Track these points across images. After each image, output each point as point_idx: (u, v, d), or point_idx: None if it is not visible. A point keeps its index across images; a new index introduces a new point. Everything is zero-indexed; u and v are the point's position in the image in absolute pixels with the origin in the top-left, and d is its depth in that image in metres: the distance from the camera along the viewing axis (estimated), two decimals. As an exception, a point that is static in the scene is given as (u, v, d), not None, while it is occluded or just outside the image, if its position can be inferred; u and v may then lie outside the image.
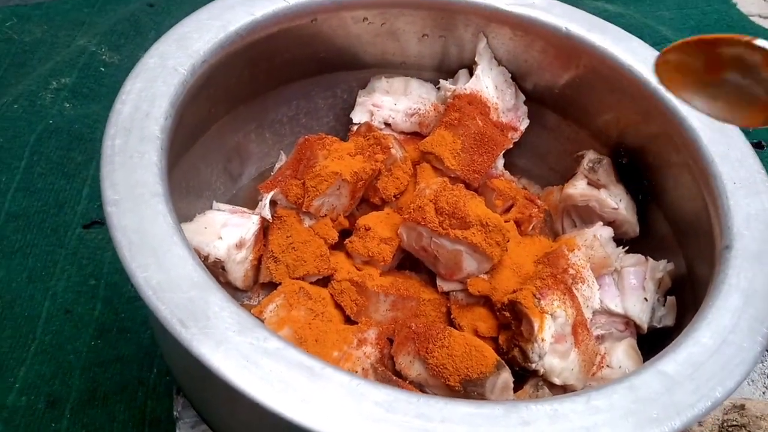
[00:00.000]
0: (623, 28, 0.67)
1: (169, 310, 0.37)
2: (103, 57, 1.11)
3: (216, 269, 0.58)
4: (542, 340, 0.53)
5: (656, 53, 0.65)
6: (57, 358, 0.74)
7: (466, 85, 0.71)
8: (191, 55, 0.53)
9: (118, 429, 0.70)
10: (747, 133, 0.59)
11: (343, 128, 0.76)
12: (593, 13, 0.68)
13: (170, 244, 0.40)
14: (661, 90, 0.62)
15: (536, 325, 0.53)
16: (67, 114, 0.99)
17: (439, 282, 0.62)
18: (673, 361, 0.42)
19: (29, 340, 0.75)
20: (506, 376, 0.54)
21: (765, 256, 0.49)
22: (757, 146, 0.99)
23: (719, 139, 0.58)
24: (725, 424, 0.72)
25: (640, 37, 0.66)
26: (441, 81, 0.74)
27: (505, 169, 0.75)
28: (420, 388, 0.55)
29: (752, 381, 0.85)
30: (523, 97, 0.74)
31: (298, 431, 0.35)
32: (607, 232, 0.66)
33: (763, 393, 0.84)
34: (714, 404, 0.40)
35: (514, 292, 0.56)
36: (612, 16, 1.26)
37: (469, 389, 0.52)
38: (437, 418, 0.36)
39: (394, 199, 0.67)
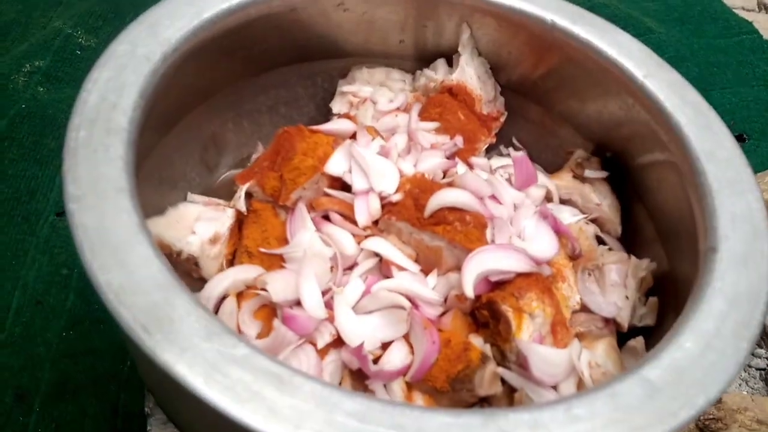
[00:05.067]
0: (607, 18, 0.65)
1: (132, 314, 0.35)
2: (80, 40, 1.08)
3: (189, 265, 0.56)
4: (520, 339, 0.51)
5: (643, 47, 0.64)
6: (26, 350, 0.72)
7: (452, 76, 0.70)
8: (162, 42, 0.51)
9: (90, 423, 0.69)
10: (728, 127, 0.58)
11: (324, 118, 0.74)
12: (578, 4, 0.67)
13: (134, 243, 0.38)
14: (648, 85, 0.60)
15: (514, 325, 0.52)
16: (41, 98, 0.96)
17: (418, 277, 0.61)
18: (656, 367, 0.41)
19: (-2, 332, 0.73)
20: (493, 368, 0.52)
21: (750, 259, 0.47)
22: (738, 139, 0.98)
23: (706, 137, 0.56)
24: (702, 417, 0.72)
25: (624, 28, 0.65)
26: (424, 70, 0.72)
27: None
28: None
29: (731, 375, 0.85)
30: (499, 89, 0.72)
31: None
32: (591, 228, 0.65)
33: (739, 385, 0.83)
34: (697, 412, 0.39)
35: (493, 290, 0.55)
36: (596, 6, 1.25)
37: (457, 387, 0.51)
38: (413, 428, 0.35)
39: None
